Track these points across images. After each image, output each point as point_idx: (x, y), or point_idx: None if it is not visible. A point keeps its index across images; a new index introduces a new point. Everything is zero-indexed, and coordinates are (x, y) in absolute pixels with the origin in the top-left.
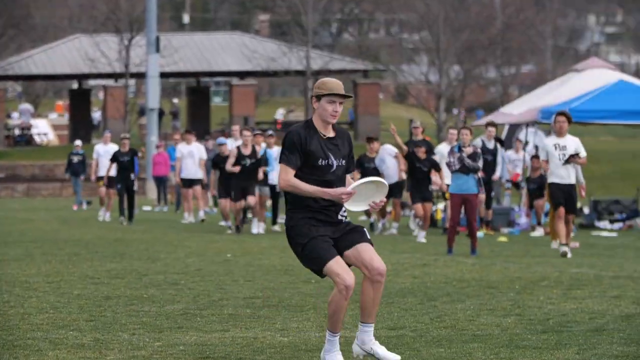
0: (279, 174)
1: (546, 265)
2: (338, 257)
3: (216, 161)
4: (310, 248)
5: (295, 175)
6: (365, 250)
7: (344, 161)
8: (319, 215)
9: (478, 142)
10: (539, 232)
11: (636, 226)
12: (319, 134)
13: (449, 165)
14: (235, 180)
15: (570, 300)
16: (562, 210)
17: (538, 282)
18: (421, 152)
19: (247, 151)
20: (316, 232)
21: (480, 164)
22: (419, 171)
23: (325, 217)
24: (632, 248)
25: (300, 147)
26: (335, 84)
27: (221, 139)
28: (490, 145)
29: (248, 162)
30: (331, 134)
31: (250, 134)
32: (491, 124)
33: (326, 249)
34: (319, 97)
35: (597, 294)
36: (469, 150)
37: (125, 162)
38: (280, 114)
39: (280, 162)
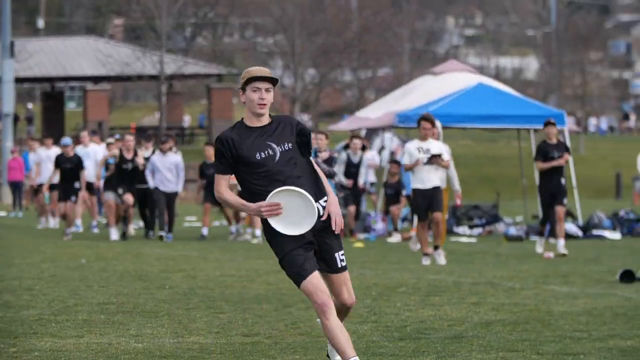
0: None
1: (403, 271)
2: (312, 275)
3: (59, 160)
4: (286, 264)
5: (242, 178)
6: (337, 280)
7: (290, 145)
8: None
9: (343, 156)
10: (395, 237)
11: (496, 231)
12: (251, 128)
13: None
14: (120, 182)
15: (428, 307)
16: (423, 223)
17: (395, 288)
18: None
19: (129, 155)
20: (289, 244)
21: (336, 168)
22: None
23: None
24: (491, 254)
25: (228, 151)
26: (257, 69)
27: (66, 140)
28: (356, 159)
29: (130, 166)
30: (266, 122)
31: (132, 138)
32: (356, 136)
33: (300, 265)
34: (244, 89)
35: (456, 301)
36: (324, 155)
37: None
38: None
39: (215, 172)
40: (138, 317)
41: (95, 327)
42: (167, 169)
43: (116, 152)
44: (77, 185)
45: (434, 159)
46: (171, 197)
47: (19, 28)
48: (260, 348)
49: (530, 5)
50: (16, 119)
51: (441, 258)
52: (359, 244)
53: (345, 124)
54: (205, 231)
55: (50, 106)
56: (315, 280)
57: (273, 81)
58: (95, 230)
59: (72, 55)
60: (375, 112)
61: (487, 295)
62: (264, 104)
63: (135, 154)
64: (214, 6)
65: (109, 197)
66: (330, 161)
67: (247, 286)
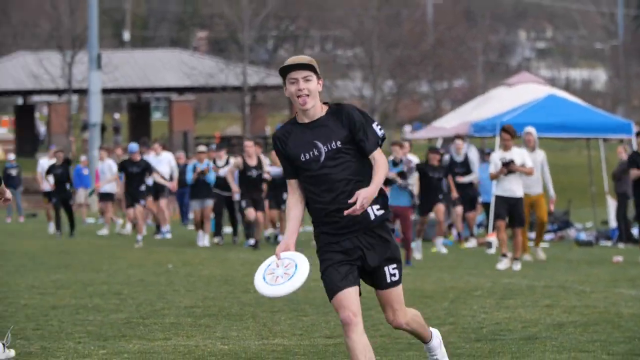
0: None
1: (479, 275)
2: (343, 291)
3: (125, 165)
4: (323, 278)
5: (300, 181)
6: (385, 300)
7: (338, 142)
8: (333, 227)
9: (446, 158)
10: (471, 243)
11: (567, 237)
12: (301, 125)
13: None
14: (245, 191)
15: (503, 310)
16: (501, 223)
17: (471, 291)
18: (435, 160)
19: (252, 162)
20: (331, 257)
21: (411, 179)
22: (432, 180)
23: (341, 228)
24: (563, 259)
25: (282, 151)
26: (292, 60)
27: (132, 146)
28: (460, 158)
29: (254, 173)
30: (317, 116)
31: (252, 144)
32: (459, 136)
33: (333, 281)
34: (284, 84)
35: (530, 304)
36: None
37: (59, 174)
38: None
39: None
40: (224, 320)
41: (182, 329)
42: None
43: (239, 160)
44: (142, 188)
45: (512, 166)
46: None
47: (106, 41)
48: (342, 349)
49: (599, 20)
50: (103, 128)
51: (517, 266)
52: (436, 249)
53: (423, 133)
54: (266, 233)
55: (137, 116)
56: (343, 296)
57: (311, 68)
58: (168, 236)
59: (157, 67)
60: (451, 122)
61: (560, 298)
62: (304, 95)
63: (260, 161)
64: (295, 20)
65: (195, 205)
66: (406, 173)
67: None
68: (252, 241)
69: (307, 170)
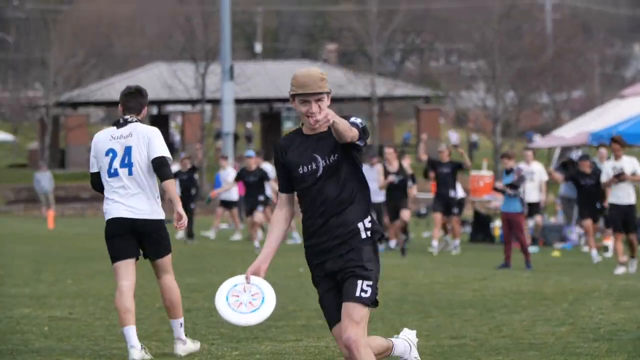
0: None
1: (596, 277)
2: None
3: (241, 174)
4: (322, 305)
5: (299, 197)
6: (343, 314)
7: (335, 155)
8: (320, 242)
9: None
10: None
11: None
12: (305, 135)
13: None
14: (387, 198)
15: (619, 311)
16: (619, 235)
17: (589, 293)
18: (586, 167)
19: (392, 168)
20: (319, 283)
21: (522, 188)
22: (583, 187)
23: (326, 249)
24: None
25: (280, 161)
26: (304, 79)
27: (249, 152)
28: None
29: (396, 179)
30: (322, 129)
31: (393, 150)
32: (603, 145)
33: (330, 312)
34: (293, 97)
35: None
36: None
37: (185, 180)
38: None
39: None
40: None
41: (313, 331)
42: (373, 180)
43: (379, 167)
44: (261, 197)
45: (623, 177)
46: (378, 207)
47: (238, 52)
48: (466, 350)
49: None
50: (236, 137)
51: (633, 267)
52: (556, 253)
53: (542, 142)
54: (392, 244)
55: (268, 126)
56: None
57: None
58: (299, 241)
59: (287, 78)
60: (569, 132)
61: None
62: (314, 117)
63: (402, 167)
64: (420, 33)
65: None
66: (515, 183)
67: (454, 292)
68: (392, 243)
69: (303, 183)
